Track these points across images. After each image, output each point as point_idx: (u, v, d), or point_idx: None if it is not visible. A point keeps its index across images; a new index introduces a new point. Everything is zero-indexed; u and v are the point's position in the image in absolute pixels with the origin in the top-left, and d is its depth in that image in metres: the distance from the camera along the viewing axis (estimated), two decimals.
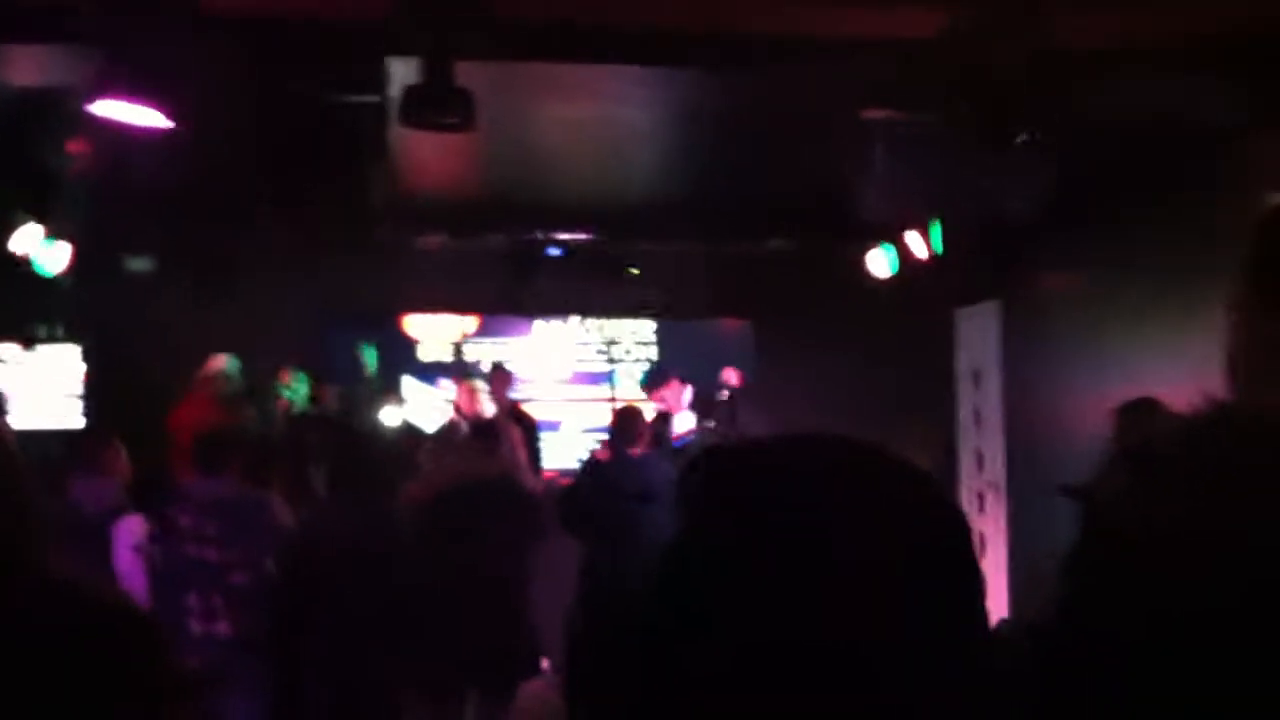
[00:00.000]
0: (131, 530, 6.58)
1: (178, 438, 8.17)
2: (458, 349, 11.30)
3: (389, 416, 10.16)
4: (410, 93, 5.14)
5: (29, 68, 5.67)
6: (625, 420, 7.45)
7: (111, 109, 4.88)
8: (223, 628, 5.82)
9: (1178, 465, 1.19)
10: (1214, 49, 5.20)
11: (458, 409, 9.03)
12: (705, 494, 0.98)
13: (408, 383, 11.03)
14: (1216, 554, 1.11)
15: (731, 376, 10.00)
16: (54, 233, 8.42)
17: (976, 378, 10.15)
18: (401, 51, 5.12)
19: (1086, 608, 1.20)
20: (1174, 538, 1.13)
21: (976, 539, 9.89)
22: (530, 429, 9.36)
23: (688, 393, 9.59)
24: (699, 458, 1.03)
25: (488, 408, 8.92)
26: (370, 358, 10.02)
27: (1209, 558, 1.12)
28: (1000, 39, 4.60)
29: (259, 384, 9.28)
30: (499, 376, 9.79)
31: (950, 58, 4.93)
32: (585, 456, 9.00)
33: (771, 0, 5.19)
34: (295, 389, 9.59)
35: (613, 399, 11.28)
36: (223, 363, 8.62)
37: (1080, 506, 1.30)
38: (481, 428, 7.47)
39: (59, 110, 5.93)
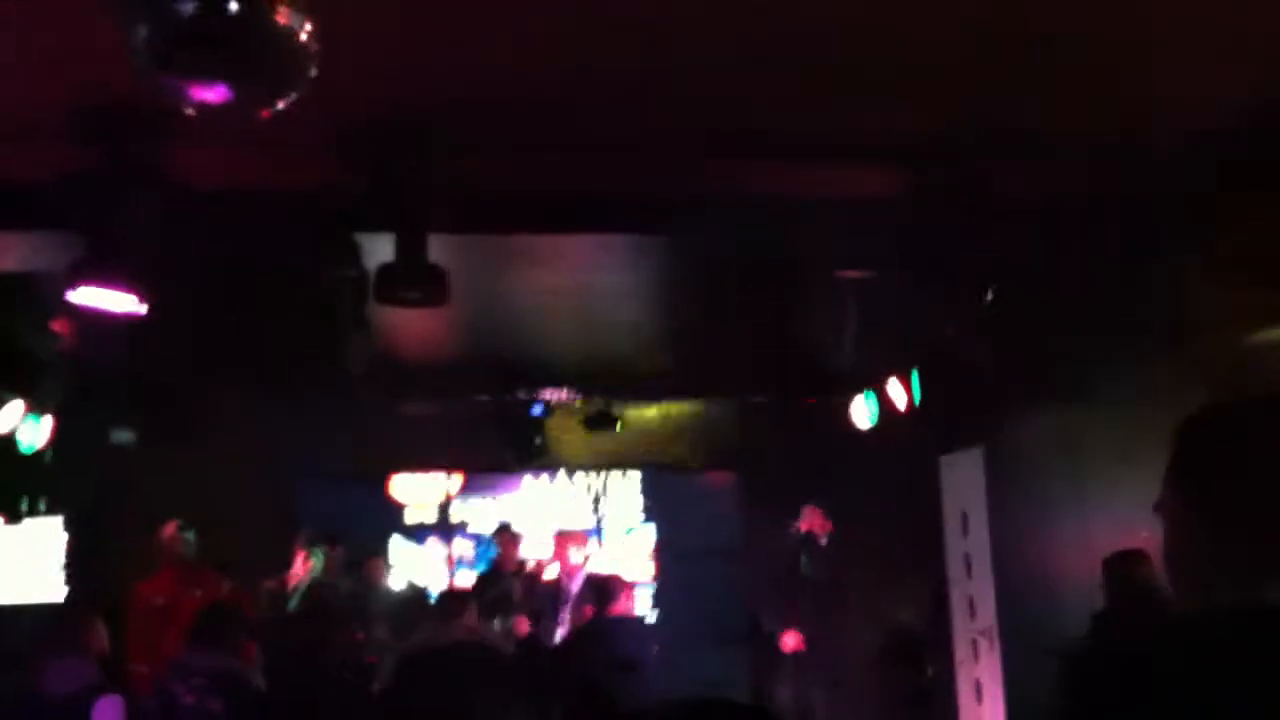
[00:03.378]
0: (111, 710, 6.46)
1: (136, 607, 8.08)
2: (444, 509, 11.26)
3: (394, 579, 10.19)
4: (383, 271, 5.20)
5: (6, 253, 5.75)
6: (601, 584, 7.38)
7: (88, 296, 4.94)
8: None
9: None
10: (1167, 196, 5.31)
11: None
12: None
13: (396, 543, 10.97)
14: None
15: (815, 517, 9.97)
16: (35, 409, 8.45)
17: (964, 525, 10.11)
18: (373, 228, 5.20)
19: None
20: None
21: (971, 690, 9.77)
22: (533, 590, 9.39)
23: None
24: None
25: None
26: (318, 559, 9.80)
27: None
28: (955, 197, 4.70)
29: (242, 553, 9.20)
30: (507, 538, 9.76)
31: (910, 215, 5.03)
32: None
33: (737, 164, 5.30)
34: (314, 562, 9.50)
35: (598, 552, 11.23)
36: (174, 528, 8.50)
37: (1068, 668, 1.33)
38: (457, 593, 7.45)
39: (39, 292, 6.01)
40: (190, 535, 8.39)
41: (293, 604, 8.65)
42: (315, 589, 9.17)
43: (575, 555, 9.71)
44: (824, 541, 9.66)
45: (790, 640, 9.42)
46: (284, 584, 9.10)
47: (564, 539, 9.88)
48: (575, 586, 9.51)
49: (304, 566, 9.28)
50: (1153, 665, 1.24)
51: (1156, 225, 5.37)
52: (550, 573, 9.88)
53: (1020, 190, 4.97)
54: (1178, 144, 4.94)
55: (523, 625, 8.95)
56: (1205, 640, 1.22)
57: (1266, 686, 1.15)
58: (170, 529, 8.41)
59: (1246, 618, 1.25)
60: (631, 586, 7.68)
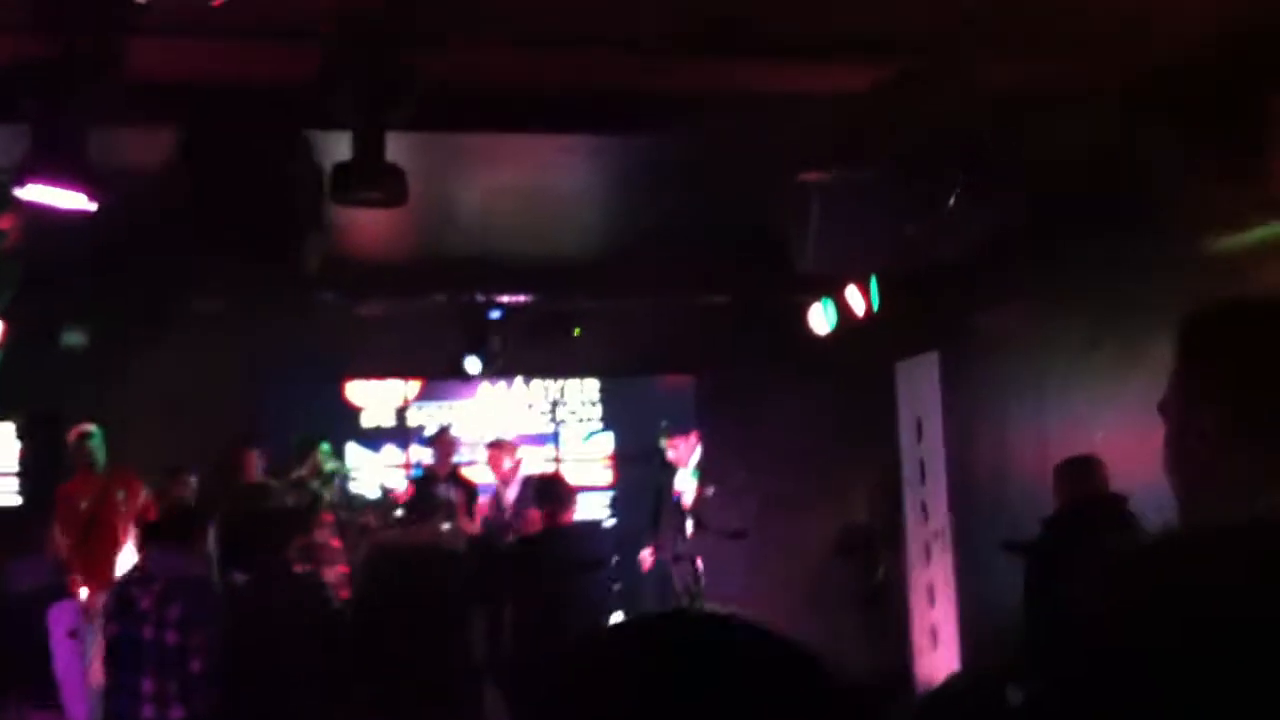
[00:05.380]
0: (66, 616, 6.47)
1: (59, 509, 8.03)
2: (401, 414, 11.23)
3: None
4: (340, 170, 5.10)
5: None
6: (552, 488, 7.38)
7: (37, 194, 4.83)
8: (177, 713, 5.69)
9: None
10: (1146, 92, 5.28)
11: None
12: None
13: (351, 449, 10.94)
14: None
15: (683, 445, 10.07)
16: None
17: (919, 429, 10.21)
18: (330, 126, 5.09)
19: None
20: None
21: (924, 592, 9.93)
22: (471, 493, 9.42)
23: (698, 452, 9.79)
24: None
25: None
26: (325, 449, 9.80)
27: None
28: (931, 89, 4.65)
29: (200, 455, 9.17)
30: (443, 441, 9.77)
31: (882, 110, 4.98)
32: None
33: (703, 58, 5.22)
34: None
35: (558, 459, 11.25)
36: (84, 429, 8.43)
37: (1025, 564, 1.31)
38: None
39: None
40: (96, 440, 8.31)
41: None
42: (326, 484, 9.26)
43: (506, 462, 9.78)
44: (690, 467, 9.74)
45: (647, 559, 9.59)
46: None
47: (494, 448, 9.96)
48: (512, 492, 9.58)
49: (312, 472, 9.32)
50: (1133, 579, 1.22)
51: (1130, 121, 5.35)
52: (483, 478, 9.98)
53: (987, 85, 4.92)
54: (1155, 42, 4.90)
55: (470, 526, 9.01)
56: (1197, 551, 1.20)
57: (1251, 599, 1.13)
58: (74, 433, 8.34)
59: (1246, 529, 1.24)
60: (575, 489, 7.72)
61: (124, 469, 8.35)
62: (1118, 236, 6.88)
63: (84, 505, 8.00)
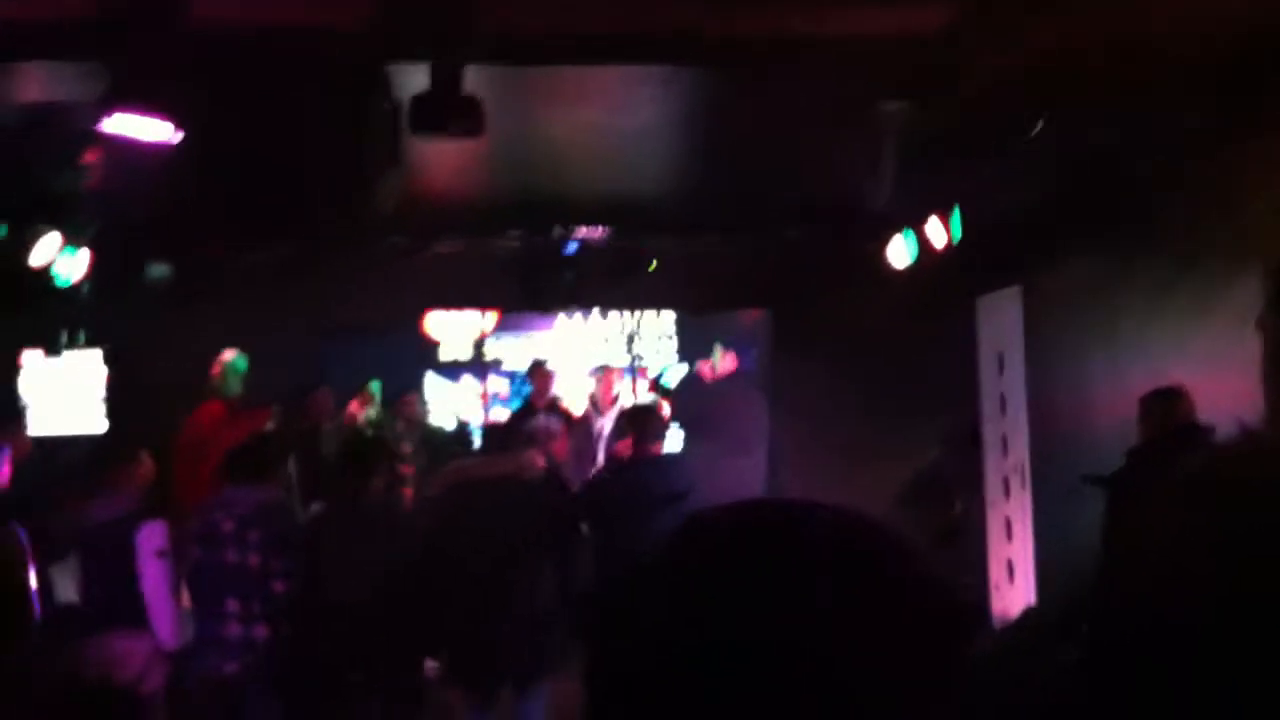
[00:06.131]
0: (154, 536, 6.63)
1: (184, 431, 8.22)
2: (478, 346, 11.32)
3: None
4: (418, 102, 5.13)
5: (36, 85, 5.69)
6: (643, 417, 7.40)
7: (120, 124, 4.91)
8: (261, 632, 5.91)
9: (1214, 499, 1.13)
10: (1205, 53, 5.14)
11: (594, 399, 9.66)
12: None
13: (431, 380, 11.06)
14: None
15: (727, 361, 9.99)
16: (72, 242, 8.46)
17: (1000, 364, 10.10)
18: (405, 59, 5.10)
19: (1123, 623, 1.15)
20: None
21: (1001, 527, 9.87)
22: (570, 425, 9.49)
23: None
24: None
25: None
26: (375, 389, 9.91)
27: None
28: (1007, 33, 4.55)
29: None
30: (540, 374, 9.84)
31: (957, 52, 4.88)
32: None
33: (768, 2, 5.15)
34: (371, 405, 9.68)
35: (636, 392, 11.29)
36: (229, 357, 8.60)
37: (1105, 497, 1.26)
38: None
39: (72, 124, 5.96)
40: (235, 370, 8.50)
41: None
42: (373, 427, 9.36)
43: (616, 386, 9.81)
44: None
45: None
46: (343, 421, 9.27)
47: (604, 373, 9.96)
48: (607, 423, 9.61)
49: (360, 408, 9.43)
50: (1195, 493, 1.16)
51: (1208, 81, 5.21)
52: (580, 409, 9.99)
53: (1071, 32, 4.80)
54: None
55: (539, 459, 9.02)
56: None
57: None
58: (219, 360, 8.53)
59: None
60: (666, 421, 7.75)
61: (255, 408, 8.53)
62: (1196, 182, 6.74)
63: (209, 433, 8.20)
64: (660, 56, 5.54)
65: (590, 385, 10.14)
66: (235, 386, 8.53)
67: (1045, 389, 9.39)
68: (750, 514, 0.99)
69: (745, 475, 8.34)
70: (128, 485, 6.69)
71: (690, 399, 8.92)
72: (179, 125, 5.10)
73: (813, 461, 8.83)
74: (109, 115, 4.94)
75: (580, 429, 9.51)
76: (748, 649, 0.88)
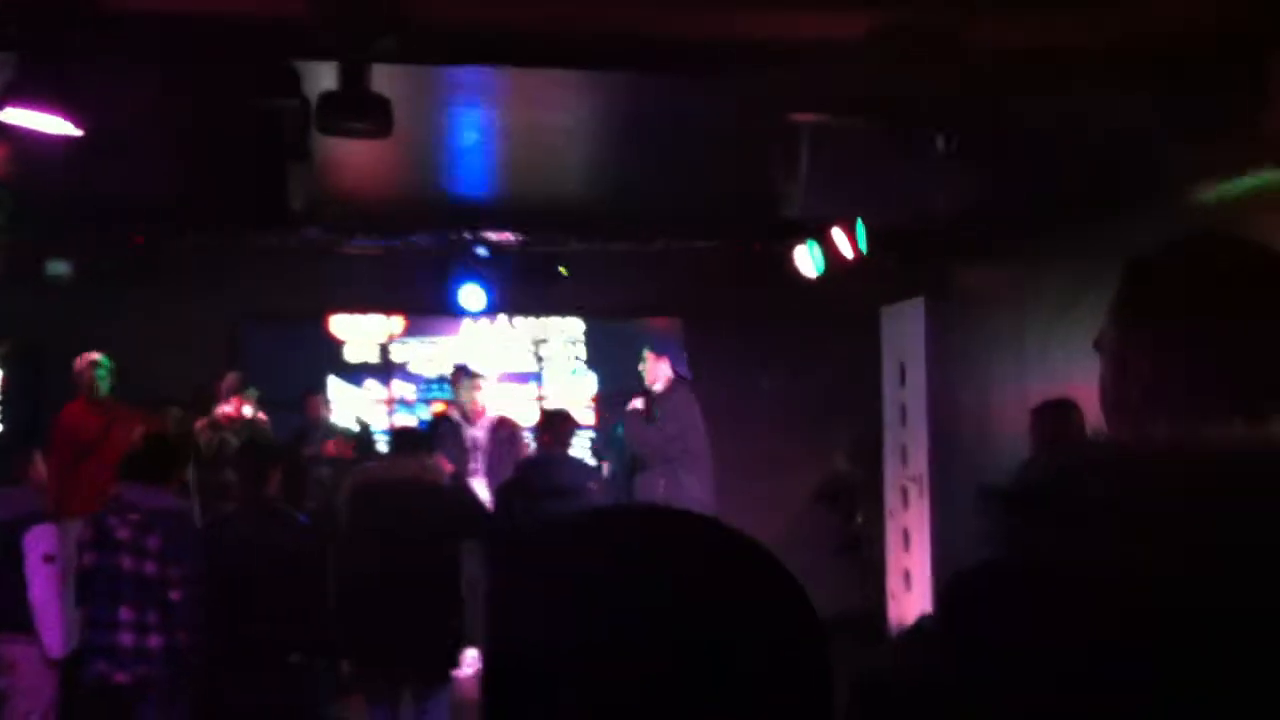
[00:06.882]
0: (43, 539, 6.48)
1: (55, 434, 8.05)
2: (384, 349, 11.21)
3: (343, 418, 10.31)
4: (325, 99, 5.07)
5: None
6: (558, 422, 7.49)
7: (21, 117, 4.79)
8: (155, 641, 5.74)
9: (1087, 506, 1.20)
10: (1130, 58, 5.26)
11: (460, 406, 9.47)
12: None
13: (334, 383, 10.94)
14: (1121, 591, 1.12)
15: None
16: None
17: (902, 374, 10.25)
18: (316, 56, 5.05)
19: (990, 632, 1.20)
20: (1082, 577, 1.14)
21: (899, 537, 10.00)
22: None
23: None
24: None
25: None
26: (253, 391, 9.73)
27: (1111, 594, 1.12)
28: (924, 42, 4.61)
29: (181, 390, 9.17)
30: (465, 381, 9.72)
31: (875, 60, 4.94)
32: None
33: (694, 2, 5.17)
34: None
35: (541, 398, 11.26)
36: (94, 357, 8.40)
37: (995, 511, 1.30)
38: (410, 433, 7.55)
39: None
40: (103, 371, 8.29)
41: (235, 439, 8.63)
42: (255, 425, 9.18)
43: (470, 395, 9.61)
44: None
45: None
46: (219, 422, 9.07)
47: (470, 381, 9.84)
48: (480, 433, 9.44)
49: (237, 405, 9.25)
50: (1086, 496, 1.22)
51: (1118, 81, 5.33)
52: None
53: (985, 40, 4.89)
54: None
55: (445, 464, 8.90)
56: (1140, 473, 1.20)
57: (1197, 524, 1.14)
58: (82, 360, 8.31)
59: (1186, 456, 1.24)
60: (575, 427, 7.80)
61: (124, 404, 8.35)
62: (1101, 195, 6.90)
63: (80, 434, 8.01)
64: (572, 61, 5.53)
65: (493, 392, 10.09)
66: (104, 387, 8.31)
67: (946, 399, 9.55)
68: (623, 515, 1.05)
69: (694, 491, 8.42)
70: (24, 484, 6.53)
71: (639, 431, 8.93)
72: (87, 114, 4.99)
73: (720, 469, 8.86)
74: (9, 106, 4.81)
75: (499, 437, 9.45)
76: (614, 645, 0.91)
